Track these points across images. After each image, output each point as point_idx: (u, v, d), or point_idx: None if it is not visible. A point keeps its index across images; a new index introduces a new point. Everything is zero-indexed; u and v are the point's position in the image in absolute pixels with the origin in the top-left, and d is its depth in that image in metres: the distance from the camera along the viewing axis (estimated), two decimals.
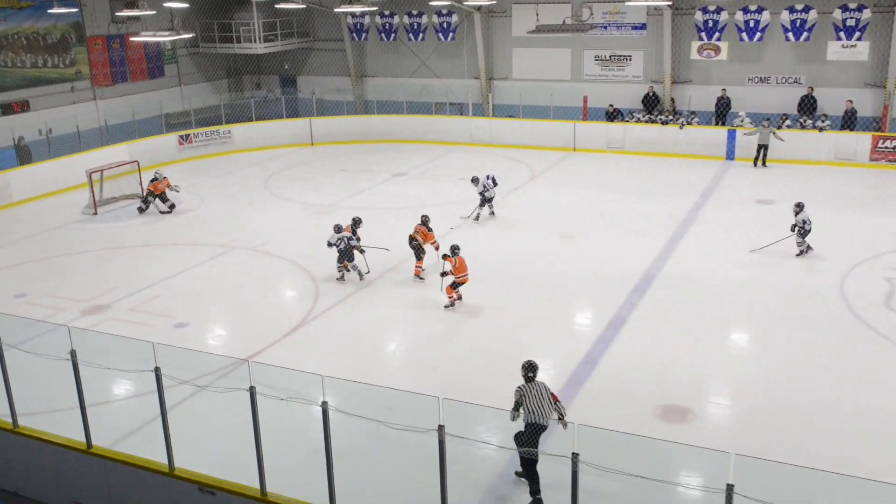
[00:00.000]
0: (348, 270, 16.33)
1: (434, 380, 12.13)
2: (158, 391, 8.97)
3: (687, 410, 11.21)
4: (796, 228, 16.60)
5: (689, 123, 27.04)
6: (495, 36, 31.32)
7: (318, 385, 8.18)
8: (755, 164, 25.19)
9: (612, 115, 28.40)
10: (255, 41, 33.50)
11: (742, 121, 26.55)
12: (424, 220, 16.54)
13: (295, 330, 14.19)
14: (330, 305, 15.22)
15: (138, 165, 24.17)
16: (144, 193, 22.43)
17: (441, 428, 7.55)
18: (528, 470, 9.28)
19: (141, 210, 22.21)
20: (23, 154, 26.04)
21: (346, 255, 16.22)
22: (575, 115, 28.86)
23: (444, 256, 14.82)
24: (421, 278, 16.24)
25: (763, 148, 25.02)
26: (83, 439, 9.75)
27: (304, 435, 10.22)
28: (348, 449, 9.54)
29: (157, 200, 22.32)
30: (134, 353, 9.93)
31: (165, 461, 9.21)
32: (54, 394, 11.48)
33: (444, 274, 14.96)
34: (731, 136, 26.06)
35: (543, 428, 9.10)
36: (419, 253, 16.30)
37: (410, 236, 16.36)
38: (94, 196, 22.55)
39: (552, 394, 9.29)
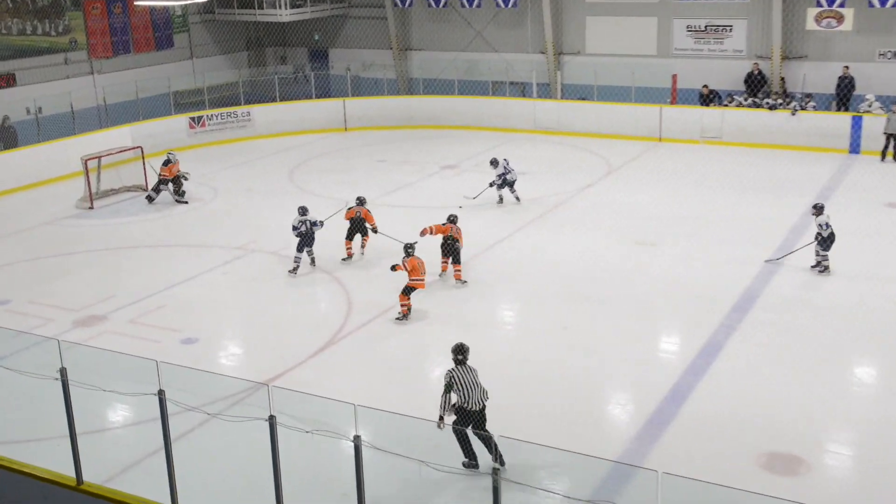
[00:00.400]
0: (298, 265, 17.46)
1: (487, 413, 12.07)
2: (162, 418, 9.08)
3: (798, 460, 10.98)
4: (816, 235, 16.55)
5: (802, 109, 26.57)
6: (566, 2, 31.24)
7: (349, 416, 8.18)
8: (883, 158, 24.66)
9: (708, 98, 28.06)
10: (279, 6, 33.97)
11: (870, 105, 25.99)
12: (453, 220, 17.06)
13: (323, 349, 14.28)
14: (365, 321, 15.29)
15: (142, 152, 24.63)
16: (158, 178, 22.78)
17: (496, 471, 7.50)
18: (466, 449, 10.53)
19: (151, 199, 22.60)
20: (7, 136, 26.74)
21: (306, 242, 17.35)
22: (661, 98, 28.59)
23: (395, 267, 15.69)
24: (463, 281, 16.67)
25: (893, 138, 24.50)
26: (73, 474, 9.88)
27: (331, 475, 10.24)
28: (384, 493, 9.53)
29: (170, 186, 22.75)
30: (134, 372, 10.07)
31: (168, 501, 9.32)
32: (40, 419, 11.69)
33: (393, 268, 15.76)
34: (856, 123, 25.54)
35: (476, 414, 10.45)
36: (457, 255, 16.76)
37: (447, 236, 16.77)
38: (89, 187, 23.04)
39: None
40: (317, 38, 36.54)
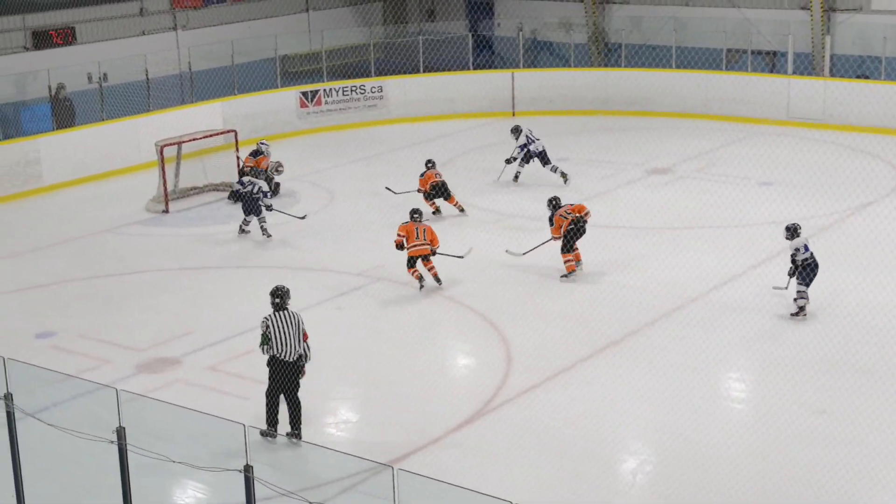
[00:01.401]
0: (247, 230, 21.91)
1: None
2: (247, 503, 9.47)
3: None
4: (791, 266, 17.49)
5: None
6: None
7: None
8: None
9: None
10: None
11: None
12: (431, 165, 22.50)
13: (470, 421, 14.45)
14: (529, 385, 15.40)
15: (235, 137, 25.62)
16: (266, 175, 23.65)
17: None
18: (271, 416, 13.43)
19: (269, 207, 22.08)
20: (62, 111, 28.03)
21: (251, 208, 21.40)
22: None
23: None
24: (572, 273, 18.99)
25: None
26: None
27: None
28: None
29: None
30: (212, 437, 10.51)
31: None
32: (88, 490, 12.37)
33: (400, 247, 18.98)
34: None
35: (290, 366, 13.21)
36: (568, 243, 19.00)
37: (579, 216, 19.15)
38: (164, 183, 24.09)
39: (305, 331, 13.42)
40: None
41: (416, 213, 19.09)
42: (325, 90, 30.62)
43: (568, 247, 19.19)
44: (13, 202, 25.15)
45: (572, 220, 19.14)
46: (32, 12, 30.13)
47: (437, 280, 18.90)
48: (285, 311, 13.46)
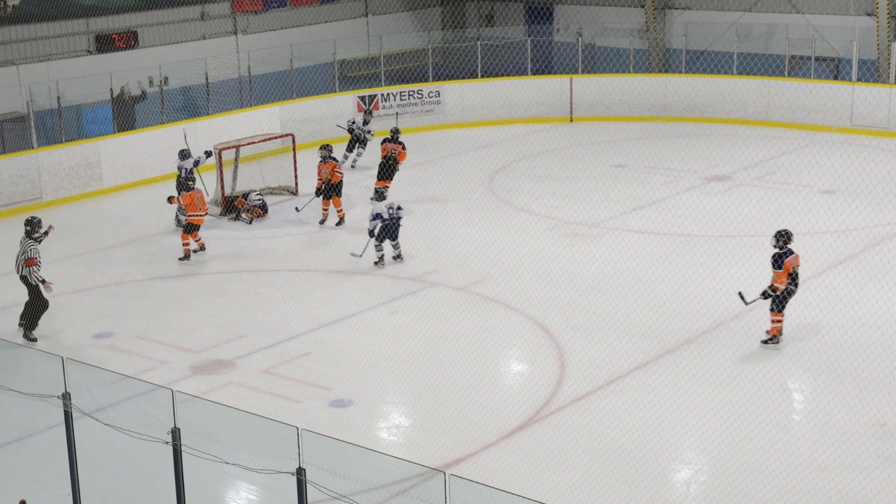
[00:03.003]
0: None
1: None
2: None
3: None
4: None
5: None
6: None
7: None
8: None
9: None
10: None
11: None
12: (395, 133, 24.54)
13: (522, 428, 14.47)
14: (584, 392, 15.39)
15: (293, 142, 25.80)
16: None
17: None
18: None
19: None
20: (125, 112, 28.45)
21: (182, 187, 22.13)
22: None
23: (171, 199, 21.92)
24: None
25: None
26: None
27: None
28: None
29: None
30: (266, 440, 10.57)
31: None
32: (143, 491, 12.52)
33: (169, 200, 22.18)
34: None
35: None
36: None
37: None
38: (222, 187, 24.34)
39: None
40: None
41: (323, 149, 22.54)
42: (382, 95, 30.75)
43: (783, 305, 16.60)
44: (74, 204, 25.48)
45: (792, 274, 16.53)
46: (96, 16, 30.54)
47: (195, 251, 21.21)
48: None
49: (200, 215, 21.07)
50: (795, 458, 13.42)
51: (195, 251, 21.37)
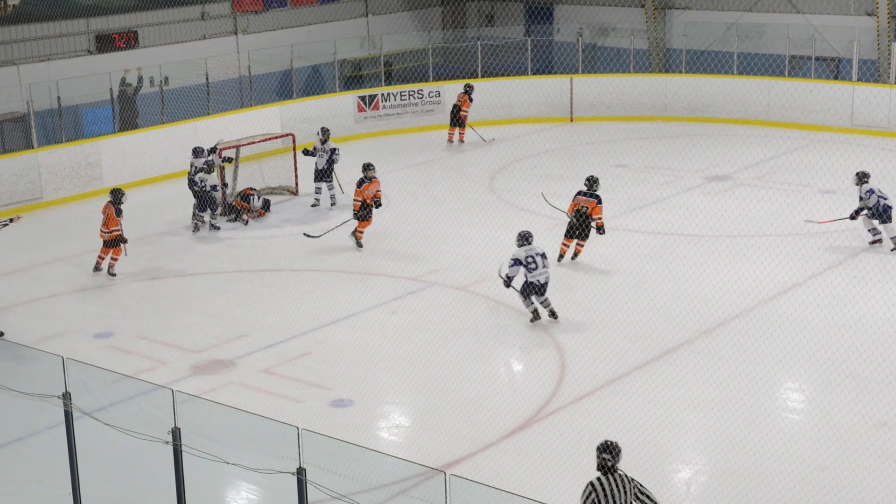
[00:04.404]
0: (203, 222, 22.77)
1: None
2: None
3: None
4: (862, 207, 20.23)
5: None
6: None
7: None
8: None
9: None
10: None
11: None
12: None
13: (522, 428, 14.48)
14: (584, 392, 15.40)
15: (293, 141, 25.86)
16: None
17: None
18: None
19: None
20: (126, 106, 28.47)
21: (207, 203, 22.54)
22: None
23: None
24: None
25: None
26: None
27: None
28: None
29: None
30: (266, 440, 10.59)
31: None
32: (143, 491, 12.52)
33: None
34: None
35: None
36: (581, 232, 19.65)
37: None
38: (223, 186, 24.32)
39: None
40: None
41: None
42: (382, 94, 30.74)
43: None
44: (74, 203, 25.47)
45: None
46: (96, 16, 30.53)
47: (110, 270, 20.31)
48: (615, 475, 10.17)
49: (117, 230, 20.21)
50: (796, 459, 13.40)
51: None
